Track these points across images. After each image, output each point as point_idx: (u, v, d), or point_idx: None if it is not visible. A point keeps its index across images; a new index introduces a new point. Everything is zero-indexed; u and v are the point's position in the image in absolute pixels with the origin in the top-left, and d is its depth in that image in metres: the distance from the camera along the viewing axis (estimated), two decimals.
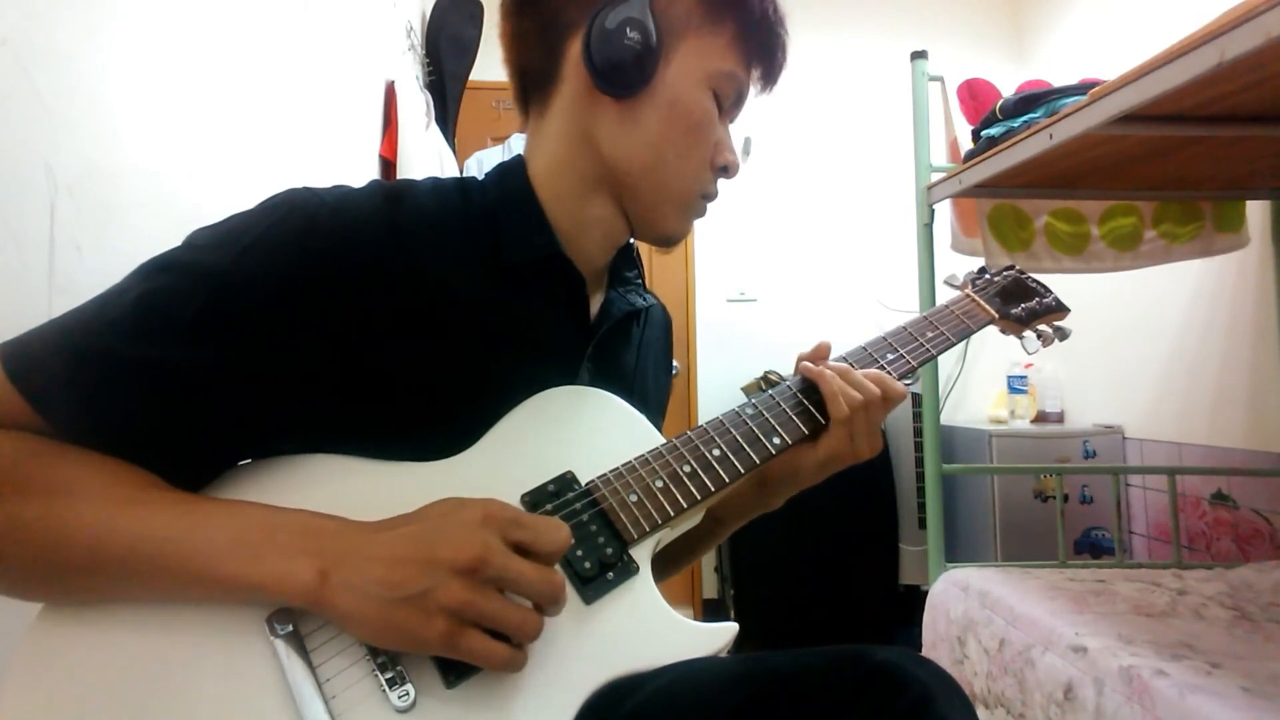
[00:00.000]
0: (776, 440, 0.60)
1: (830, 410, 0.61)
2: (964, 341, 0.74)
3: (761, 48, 0.62)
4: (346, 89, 1.45)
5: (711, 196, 0.63)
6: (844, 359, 0.67)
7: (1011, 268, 0.85)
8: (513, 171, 0.63)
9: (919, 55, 1.73)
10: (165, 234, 0.52)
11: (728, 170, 0.62)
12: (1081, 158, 1.38)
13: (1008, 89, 1.60)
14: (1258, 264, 1.85)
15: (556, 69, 0.60)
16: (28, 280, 0.59)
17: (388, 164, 1.64)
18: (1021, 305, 0.80)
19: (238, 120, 0.97)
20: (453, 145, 2.22)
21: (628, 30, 0.55)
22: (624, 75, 0.56)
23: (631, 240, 0.69)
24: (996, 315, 0.77)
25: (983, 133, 1.50)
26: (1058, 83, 1.41)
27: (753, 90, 0.64)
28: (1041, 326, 0.82)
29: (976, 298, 0.77)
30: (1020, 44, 2.89)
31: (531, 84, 0.62)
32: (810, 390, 0.63)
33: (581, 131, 0.60)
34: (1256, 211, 1.80)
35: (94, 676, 0.42)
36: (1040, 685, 1.18)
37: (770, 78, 0.64)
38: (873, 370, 0.64)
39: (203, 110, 0.88)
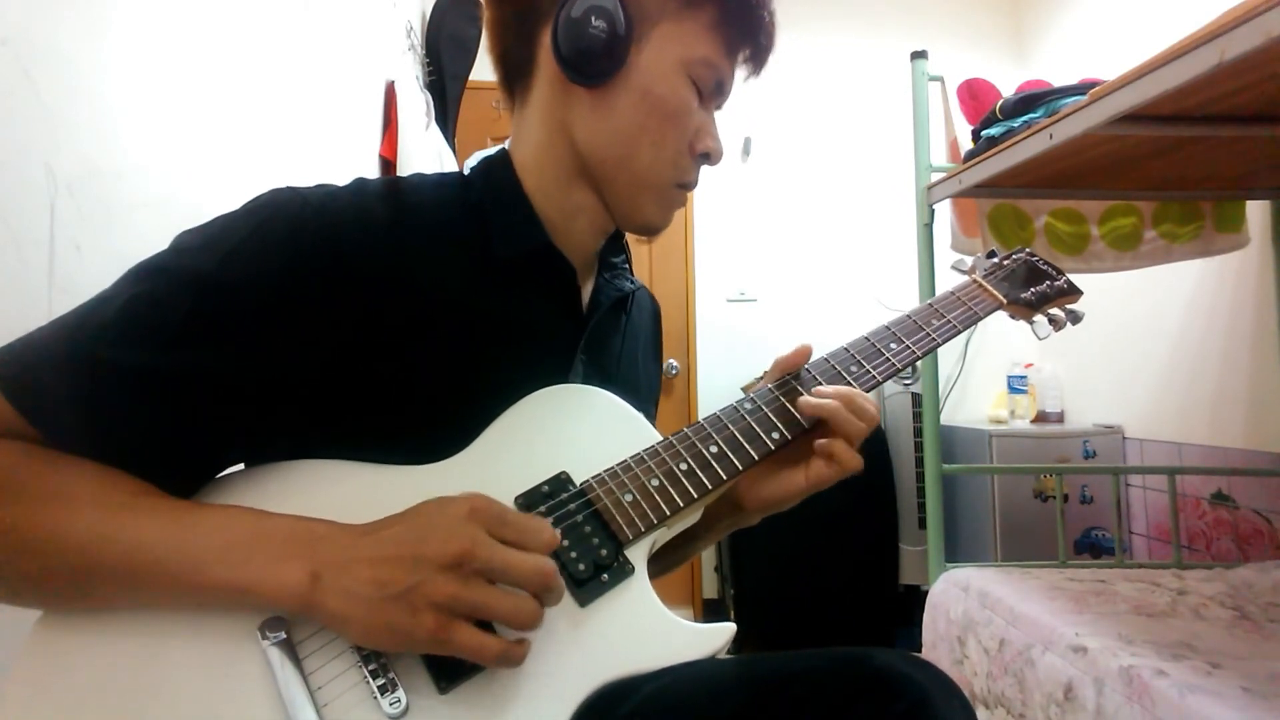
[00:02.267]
0: (776, 435, 0.59)
1: (828, 448, 0.58)
2: (970, 330, 0.72)
3: (742, 32, 0.59)
4: (346, 89, 1.45)
5: (690, 185, 0.62)
6: (846, 350, 0.65)
7: (1022, 250, 0.82)
8: (497, 164, 0.62)
9: (919, 55, 1.73)
10: (165, 234, 0.52)
11: (709, 157, 0.61)
12: (1081, 158, 1.38)
13: (1008, 89, 1.59)
14: (1258, 264, 1.84)
15: (533, 58, 0.60)
16: (28, 280, 0.59)
17: (388, 164, 1.64)
18: (1031, 289, 0.78)
19: (238, 120, 0.97)
20: (453, 145, 2.22)
21: (593, 19, 0.54)
22: (591, 64, 0.55)
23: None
24: (1004, 300, 0.75)
25: (983, 133, 1.50)
26: (1058, 83, 1.41)
27: (739, 75, 0.62)
28: (1053, 310, 0.80)
29: (984, 283, 0.75)
30: (1020, 44, 2.88)
31: (512, 72, 0.62)
32: (813, 382, 0.62)
33: (558, 121, 0.59)
34: (1256, 211, 1.80)
35: (90, 684, 0.43)
36: (1040, 685, 1.18)
37: (756, 62, 0.62)
38: (841, 389, 0.60)
39: (203, 110, 0.88)
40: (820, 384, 0.62)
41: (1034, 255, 0.82)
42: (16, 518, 0.42)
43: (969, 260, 0.81)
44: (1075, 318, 0.80)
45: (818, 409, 0.58)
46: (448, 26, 2.10)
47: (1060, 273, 0.82)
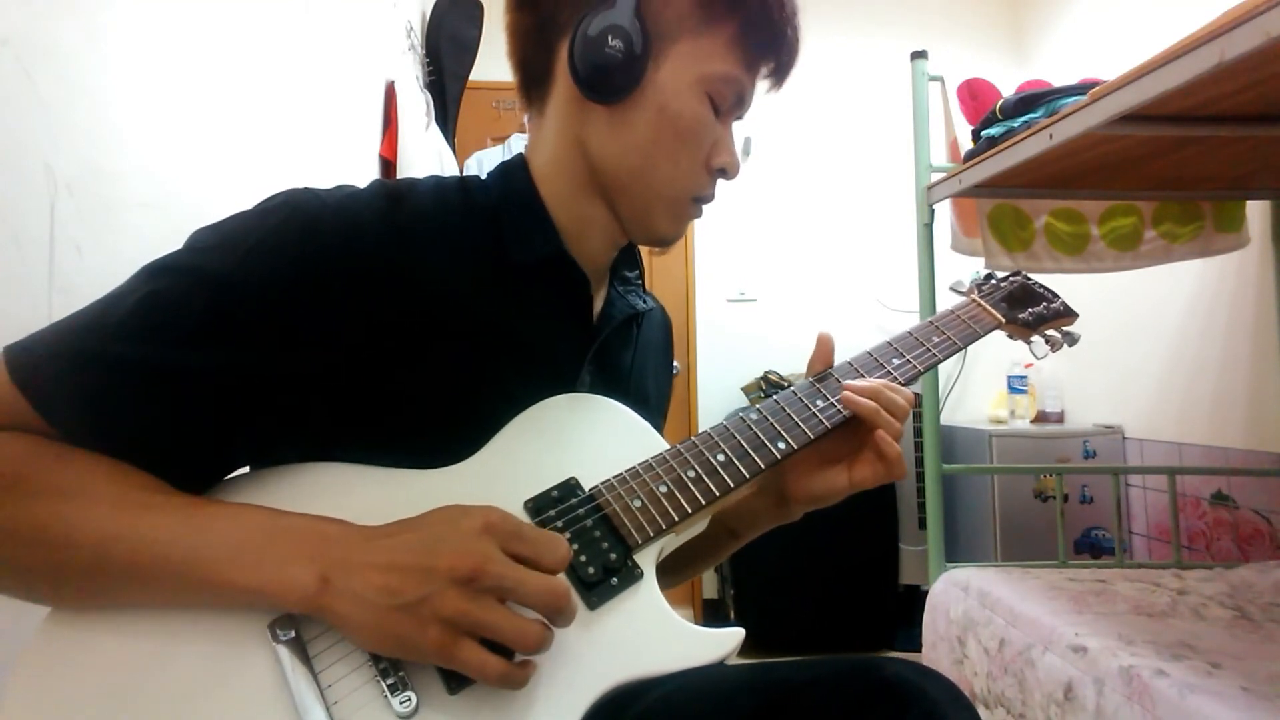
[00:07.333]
0: (782, 445, 0.59)
1: (881, 446, 0.60)
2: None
3: (765, 48, 0.59)
4: (346, 89, 1.45)
5: (706, 199, 0.61)
6: (850, 364, 0.66)
7: (1018, 273, 0.85)
8: (515, 170, 0.62)
9: (919, 55, 1.73)
10: (165, 234, 0.52)
11: (726, 172, 0.61)
12: (1081, 158, 1.38)
13: (1008, 89, 1.59)
14: (1258, 264, 1.85)
15: (551, 69, 0.59)
16: (28, 280, 0.59)
17: (388, 164, 1.64)
18: (1029, 310, 0.80)
19: (238, 120, 0.96)
20: (453, 145, 2.22)
21: (609, 38, 0.53)
22: (607, 82, 0.55)
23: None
24: (1003, 320, 0.76)
25: (983, 133, 1.50)
26: (1058, 83, 1.41)
27: (761, 88, 0.62)
28: (1050, 331, 0.81)
29: (983, 303, 0.76)
30: (1020, 44, 2.89)
31: (531, 79, 0.62)
32: (816, 395, 0.63)
33: (573, 135, 0.59)
34: (1256, 211, 1.80)
35: (97, 680, 0.42)
36: (1040, 685, 1.18)
37: (779, 76, 0.61)
38: (878, 381, 0.62)
39: (203, 110, 0.87)
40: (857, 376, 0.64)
41: (1029, 277, 0.84)
42: (29, 511, 0.42)
43: (966, 281, 0.83)
44: (1071, 339, 0.81)
45: (851, 402, 0.60)
46: (448, 26, 2.10)
47: (1055, 295, 0.83)
